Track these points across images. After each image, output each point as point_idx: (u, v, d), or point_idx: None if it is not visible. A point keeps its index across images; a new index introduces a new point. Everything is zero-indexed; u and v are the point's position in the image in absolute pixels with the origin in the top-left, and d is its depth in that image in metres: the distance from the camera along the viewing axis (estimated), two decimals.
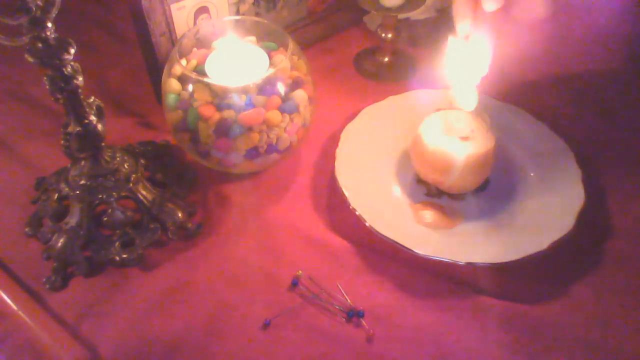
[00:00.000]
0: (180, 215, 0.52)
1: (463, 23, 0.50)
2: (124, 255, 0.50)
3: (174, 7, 0.57)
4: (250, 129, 0.51)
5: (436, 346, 0.45)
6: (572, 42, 0.72)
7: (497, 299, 0.48)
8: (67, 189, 0.51)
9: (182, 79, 0.52)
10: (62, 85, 0.44)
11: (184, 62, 0.54)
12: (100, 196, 0.50)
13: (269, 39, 0.57)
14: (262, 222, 0.54)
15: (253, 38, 0.58)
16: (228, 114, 0.51)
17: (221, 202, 0.56)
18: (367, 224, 0.50)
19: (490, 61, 0.51)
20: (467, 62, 0.52)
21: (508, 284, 0.49)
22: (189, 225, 0.53)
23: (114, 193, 0.51)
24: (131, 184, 0.51)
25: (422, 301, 0.48)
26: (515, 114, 0.61)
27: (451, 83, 0.54)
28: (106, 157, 0.51)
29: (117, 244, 0.51)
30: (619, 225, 0.53)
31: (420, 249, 0.48)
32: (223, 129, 0.51)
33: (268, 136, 0.52)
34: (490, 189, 0.56)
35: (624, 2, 0.73)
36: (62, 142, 0.48)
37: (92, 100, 0.48)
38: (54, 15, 0.41)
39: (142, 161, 0.55)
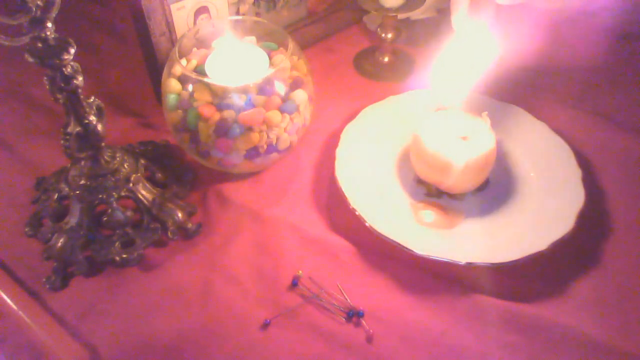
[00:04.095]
0: (180, 215, 0.52)
1: (458, 14, 0.51)
2: (124, 255, 0.50)
3: (174, 7, 0.58)
4: (250, 129, 0.51)
5: (436, 346, 0.45)
6: (571, 42, 0.72)
7: (497, 299, 0.48)
8: (67, 189, 0.51)
9: (182, 79, 0.52)
10: (62, 85, 0.44)
11: (184, 62, 0.54)
12: (100, 196, 0.50)
13: (269, 39, 0.57)
14: (262, 222, 0.54)
15: (253, 38, 0.58)
16: (228, 114, 0.51)
17: (221, 202, 0.56)
18: (367, 224, 0.50)
19: (488, 60, 0.51)
20: (465, 60, 0.52)
21: (508, 284, 0.49)
22: (189, 225, 0.53)
23: (114, 193, 0.51)
24: (131, 184, 0.51)
25: (422, 301, 0.48)
26: (515, 114, 0.61)
27: (445, 82, 0.54)
28: (106, 157, 0.51)
29: (117, 244, 0.51)
30: (619, 225, 0.53)
31: (420, 249, 0.48)
32: (223, 129, 0.51)
33: (268, 136, 0.52)
34: (490, 189, 0.56)
35: (623, 2, 0.72)
36: (62, 142, 0.48)
37: (92, 100, 0.48)
38: (54, 15, 0.41)
39: (142, 161, 0.55)
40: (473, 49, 0.52)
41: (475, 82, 0.53)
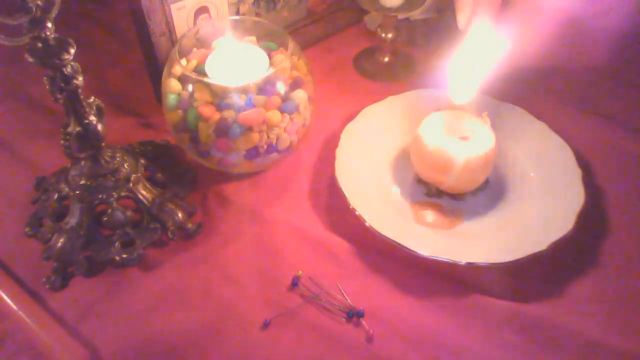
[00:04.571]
0: (180, 215, 0.52)
1: (464, 14, 0.51)
2: (124, 255, 0.50)
3: (174, 7, 0.58)
4: (250, 129, 0.51)
5: (436, 346, 0.45)
6: (571, 42, 0.72)
7: (497, 299, 0.48)
8: (67, 189, 0.51)
9: (182, 79, 0.52)
10: (62, 85, 0.44)
11: (184, 62, 0.54)
12: (100, 196, 0.50)
13: (269, 39, 0.57)
14: (262, 222, 0.54)
15: (253, 38, 0.58)
16: (228, 114, 0.51)
17: (221, 202, 0.56)
18: (367, 224, 0.50)
19: (495, 59, 0.52)
20: (473, 59, 0.52)
21: (508, 284, 0.49)
22: (189, 225, 0.53)
23: (114, 193, 0.51)
24: (131, 184, 0.51)
25: (422, 301, 0.48)
26: (515, 114, 0.61)
27: (451, 80, 0.54)
28: (106, 157, 0.51)
29: (117, 244, 0.51)
30: (618, 225, 0.53)
31: (420, 249, 0.48)
32: (223, 129, 0.51)
33: (268, 136, 0.52)
34: (490, 189, 0.56)
35: (623, 3, 0.73)
36: (62, 142, 0.48)
37: (92, 100, 0.48)
38: (54, 15, 0.41)
39: (142, 161, 0.55)
40: (479, 48, 0.52)
41: (482, 82, 0.53)
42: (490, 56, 0.52)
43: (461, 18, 0.53)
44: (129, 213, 0.51)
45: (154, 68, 0.61)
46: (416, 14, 0.76)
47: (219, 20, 0.60)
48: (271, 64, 0.54)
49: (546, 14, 0.68)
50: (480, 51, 0.52)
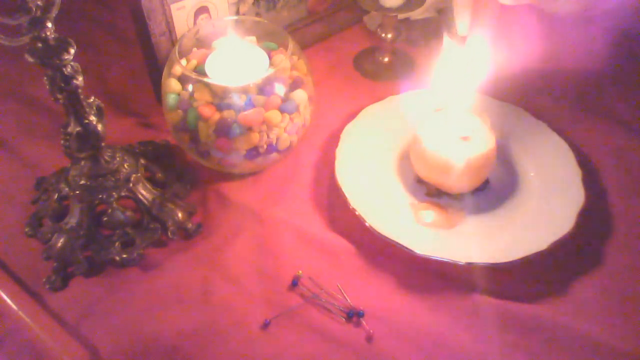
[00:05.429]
0: (180, 215, 0.52)
1: (463, 19, 0.51)
2: (124, 255, 0.50)
3: (174, 7, 0.58)
4: (250, 129, 0.51)
5: (436, 346, 0.45)
6: (571, 42, 0.72)
7: (497, 299, 0.48)
8: (67, 189, 0.51)
9: (182, 79, 0.52)
10: (62, 85, 0.44)
11: (184, 62, 0.54)
12: (100, 196, 0.50)
13: (269, 39, 0.57)
14: (262, 222, 0.54)
15: (253, 38, 0.58)
16: (228, 114, 0.51)
17: (221, 202, 0.56)
18: (367, 224, 0.50)
19: (489, 62, 0.52)
20: (465, 63, 0.52)
21: (508, 284, 0.49)
22: (189, 225, 0.53)
23: (114, 193, 0.51)
24: (131, 184, 0.51)
25: (422, 301, 0.48)
26: (515, 114, 0.61)
27: (446, 84, 0.54)
28: (106, 157, 0.51)
29: (117, 244, 0.51)
30: (619, 225, 0.53)
31: (420, 249, 0.48)
32: (223, 129, 0.51)
33: (268, 136, 0.52)
34: (490, 189, 0.56)
35: (623, 2, 0.73)
36: (62, 142, 0.48)
37: (92, 100, 0.48)
38: (54, 15, 0.41)
39: (142, 161, 0.55)
40: (471, 54, 0.52)
41: (475, 86, 0.54)
42: (486, 58, 0.52)
43: (460, 23, 0.53)
44: (129, 213, 0.51)
45: (154, 68, 0.61)
46: (416, 14, 0.76)
47: (219, 20, 0.60)
48: (271, 64, 0.54)
49: (546, 16, 0.68)
50: (477, 54, 0.52)
